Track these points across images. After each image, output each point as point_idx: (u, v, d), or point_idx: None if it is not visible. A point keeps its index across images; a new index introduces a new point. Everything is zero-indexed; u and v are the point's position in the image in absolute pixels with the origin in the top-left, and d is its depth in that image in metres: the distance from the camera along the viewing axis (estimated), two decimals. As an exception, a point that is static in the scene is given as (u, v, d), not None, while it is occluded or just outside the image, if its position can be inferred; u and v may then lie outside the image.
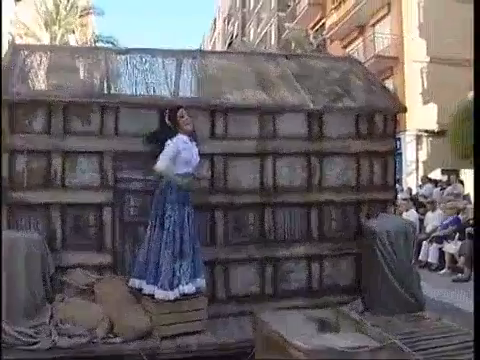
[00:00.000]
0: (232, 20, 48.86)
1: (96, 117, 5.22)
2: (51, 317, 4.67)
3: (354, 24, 23.62)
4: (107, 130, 5.23)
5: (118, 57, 5.89)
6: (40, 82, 5.31)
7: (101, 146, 5.22)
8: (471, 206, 10.65)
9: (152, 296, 4.83)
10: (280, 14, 33.34)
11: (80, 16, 28.82)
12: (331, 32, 25.25)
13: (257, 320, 4.62)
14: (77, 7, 27.81)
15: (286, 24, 29.79)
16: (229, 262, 5.45)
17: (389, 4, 21.71)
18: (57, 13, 26.91)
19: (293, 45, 28.87)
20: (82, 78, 5.43)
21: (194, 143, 5.08)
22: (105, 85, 5.37)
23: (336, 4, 25.51)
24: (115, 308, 4.79)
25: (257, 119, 5.51)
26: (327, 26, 26.46)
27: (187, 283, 4.86)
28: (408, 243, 5.42)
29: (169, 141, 4.93)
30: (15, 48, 5.80)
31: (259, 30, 38.56)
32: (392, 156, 5.91)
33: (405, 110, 5.87)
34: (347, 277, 5.75)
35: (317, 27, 28.63)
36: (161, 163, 4.86)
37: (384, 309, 5.28)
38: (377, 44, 21.87)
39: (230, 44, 44.77)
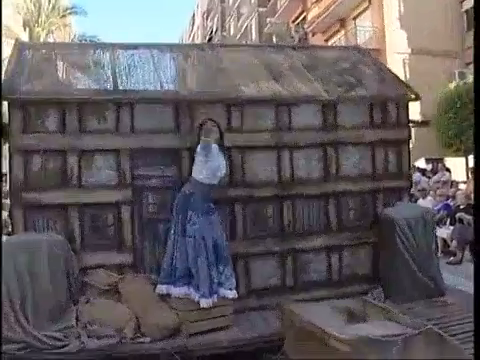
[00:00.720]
0: (211, 15, 48.57)
1: (111, 114, 5.14)
2: (77, 319, 4.59)
3: (335, 17, 23.64)
4: (123, 127, 5.15)
5: (126, 53, 5.80)
6: (51, 80, 5.19)
7: (117, 144, 5.13)
8: (460, 192, 10.84)
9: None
10: (260, 9, 33.32)
11: (62, 16, 28.43)
12: (313, 25, 25.19)
13: (286, 312, 4.60)
14: (59, 7, 27.42)
15: (268, 19, 29.82)
16: (249, 256, 5.42)
17: None
18: (38, 14, 26.48)
19: (275, 39, 28.90)
20: (94, 75, 5.32)
21: (221, 154, 5.01)
22: (119, 81, 5.27)
23: None
24: (141, 307, 4.73)
25: (273, 111, 5.48)
26: (308, 19, 26.45)
27: (231, 289, 4.86)
28: (427, 230, 5.46)
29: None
30: (21, 46, 5.67)
31: (239, 25, 38.38)
32: (406, 144, 5.92)
33: (418, 98, 5.88)
34: (365, 266, 5.77)
35: (298, 21, 28.59)
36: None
37: (405, 296, 5.33)
38: (359, 37, 21.94)
39: (210, 39, 44.51)
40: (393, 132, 5.83)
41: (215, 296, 4.79)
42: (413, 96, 5.87)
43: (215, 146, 4.94)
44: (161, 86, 5.32)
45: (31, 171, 4.97)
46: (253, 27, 34.93)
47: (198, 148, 4.86)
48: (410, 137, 5.95)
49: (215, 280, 4.82)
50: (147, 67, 5.54)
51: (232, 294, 4.88)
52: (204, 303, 4.74)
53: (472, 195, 10.48)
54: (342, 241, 5.67)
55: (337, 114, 5.68)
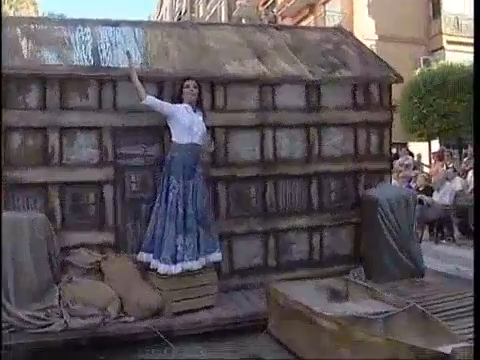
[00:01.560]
0: None
1: (93, 91, 5.03)
2: (60, 298, 4.53)
3: (305, 2, 23.97)
4: (105, 105, 5.06)
5: (108, 29, 5.67)
6: (32, 55, 5.05)
7: (100, 121, 5.04)
8: (421, 175, 11.16)
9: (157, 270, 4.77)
10: None
11: None
12: (282, 10, 25.44)
13: (271, 291, 4.63)
14: None
15: (237, 2, 29.64)
16: (232, 236, 5.42)
17: None
18: None
19: (244, 22, 28.64)
20: (75, 51, 5.19)
21: (199, 113, 4.99)
22: (101, 58, 5.16)
23: None
24: (124, 286, 4.69)
25: (257, 91, 5.45)
26: (278, 3, 26.64)
27: (191, 259, 4.79)
28: (409, 211, 5.53)
29: None
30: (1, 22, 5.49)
31: (208, 7, 38.02)
32: (388, 126, 5.96)
33: (401, 80, 5.92)
34: (346, 246, 5.82)
35: (268, 4, 28.61)
36: (151, 99, 4.85)
37: (386, 276, 5.40)
38: (328, 22, 22.04)
39: (178, 20, 43.94)
40: (376, 114, 5.87)
41: (176, 266, 4.72)
42: (395, 78, 5.89)
43: (186, 105, 4.92)
44: (145, 63, 5.22)
45: (11, 149, 4.85)
46: (223, 10, 34.68)
47: (157, 102, 4.87)
48: (392, 119, 6.00)
49: (179, 248, 4.75)
50: (129, 44, 5.43)
51: (192, 264, 4.80)
52: (162, 269, 4.70)
53: (432, 178, 10.80)
54: (324, 221, 5.71)
55: (321, 95, 5.67)
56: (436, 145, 17.03)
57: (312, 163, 5.66)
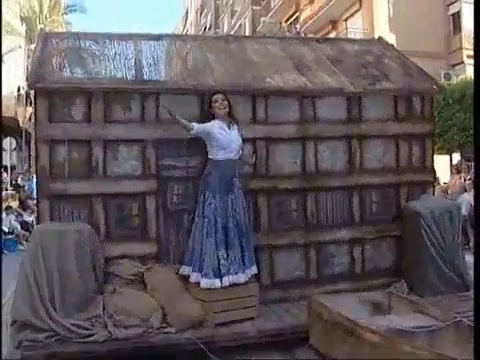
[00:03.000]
0: (205, 12, 48.45)
1: (136, 104, 5.12)
2: (104, 308, 4.58)
3: (327, 19, 24.23)
4: (148, 117, 5.13)
5: (149, 43, 5.78)
6: (77, 70, 5.18)
7: (143, 134, 5.12)
8: (438, 187, 10.98)
9: (198, 284, 4.79)
10: (254, 8, 33.53)
11: (63, 14, 28.72)
12: (305, 26, 25.69)
13: (314, 303, 4.59)
14: (60, 5, 27.64)
15: (262, 18, 30.11)
16: (273, 248, 5.41)
17: (360, 0, 22.53)
18: (40, 11, 26.63)
19: (268, 38, 28.82)
20: (119, 65, 5.29)
21: (233, 128, 5.02)
22: (144, 72, 5.26)
23: None
24: (166, 297, 4.72)
25: (298, 103, 5.46)
26: (301, 20, 27.00)
27: (237, 273, 4.81)
28: (453, 223, 5.43)
29: None
30: (45, 36, 5.66)
31: (233, 22, 38.38)
32: (430, 138, 5.89)
33: (444, 91, 5.85)
34: (388, 259, 5.75)
35: (291, 20, 29.12)
36: (197, 127, 4.88)
37: (430, 290, 5.31)
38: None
39: None
40: (417, 126, 5.80)
41: (223, 280, 4.75)
42: (438, 90, 5.83)
43: (220, 123, 4.94)
44: (186, 76, 5.29)
45: (57, 161, 4.96)
46: (247, 25, 34.99)
47: (201, 128, 4.90)
48: (435, 131, 5.92)
49: (222, 261, 4.78)
50: (171, 58, 5.52)
51: (239, 278, 4.83)
52: (205, 283, 4.72)
53: (449, 190, 10.62)
54: (365, 234, 5.65)
55: (362, 107, 5.65)
56: (458, 158, 16.83)
57: (353, 175, 5.63)
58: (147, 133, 5.13)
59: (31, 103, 5.45)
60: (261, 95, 5.35)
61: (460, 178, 11.27)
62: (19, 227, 12.91)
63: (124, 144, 5.10)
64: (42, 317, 4.32)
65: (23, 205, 15.13)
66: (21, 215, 13.85)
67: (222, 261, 4.79)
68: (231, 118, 5.08)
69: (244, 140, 5.12)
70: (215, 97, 5.02)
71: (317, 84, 5.52)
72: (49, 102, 4.95)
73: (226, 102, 5.03)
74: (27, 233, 12.15)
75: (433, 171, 5.99)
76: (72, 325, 4.36)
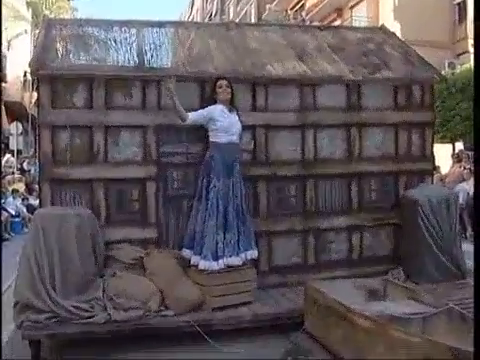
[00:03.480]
0: None
1: (138, 91, 5.18)
2: (103, 291, 4.68)
3: (333, 7, 24.38)
4: (149, 104, 5.20)
5: (152, 30, 5.83)
6: (80, 56, 5.24)
7: (144, 120, 5.18)
8: (436, 175, 11.00)
9: (197, 266, 4.87)
10: None
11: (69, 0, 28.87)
12: (310, 14, 25.71)
13: (309, 289, 4.67)
14: None
15: (267, 5, 30.14)
16: (272, 234, 5.48)
17: None
18: None
19: (273, 25, 28.79)
20: (121, 51, 5.35)
21: (234, 113, 5.08)
22: (145, 58, 5.31)
23: None
24: (165, 281, 4.81)
25: (297, 91, 5.51)
26: (306, 8, 27.10)
27: (231, 255, 4.89)
28: (451, 212, 5.47)
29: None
30: (49, 23, 5.72)
31: (238, 9, 38.29)
32: (430, 127, 5.92)
33: (445, 80, 5.87)
34: (386, 247, 5.81)
35: (296, 8, 29.28)
36: (191, 116, 4.91)
37: (426, 278, 5.36)
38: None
39: (209, 21, 44.18)
40: (418, 114, 5.83)
41: (219, 263, 4.83)
42: (438, 79, 5.85)
43: (221, 106, 5.00)
44: (188, 63, 5.33)
45: (59, 146, 5.04)
46: (253, 12, 34.92)
47: (204, 113, 4.96)
48: (435, 120, 5.94)
49: (219, 244, 4.86)
50: (173, 45, 5.57)
51: (233, 261, 4.90)
52: (203, 265, 4.81)
53: (447, 179, 10.63)
54: (363, 221, 5.71)
55: (361, 95, 5.68)
56: (461, 147, 16.84)
57: (352, 163, 5.68)
58: (148, 119, 5.19)
59: (36, 88, 5.55)
60: (261, 83, 5.39)
61: (460, 167, 11.27)
62: (25, 210, 13.07)
63: (125, 130, 5.17)
64: (43, 298, 4.41)
65: (29, 189, 15.32)
66: (27, 199, 14.06)
67: (219, 244, 4.86)
68: (232, 104, 5.13)
69: (244, 127, 5.17)
70: (220, 82, 5.07)
71: (317, 72, 5.55)
72: (51, 88, 5.01)
73: (229, 88, 5.09)
74: (32, 216, 12.28)
75: (432, 160, 6.02)
76: (72, 307, 4.45)
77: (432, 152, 5.97)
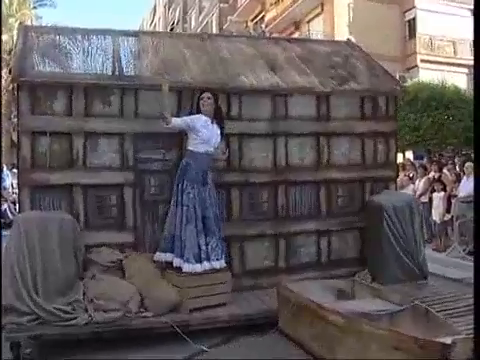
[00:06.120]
0: (173, 6, 48.39)
1: (116, 99, 5.33)
2: (84, 294, 4.80)
3: (291, 20, 25.24)
4: (127, 112, 5.36)
5: (127, 39, 5.98)
6: (59, 64, 5.35)
7: (122, 127, 5.34)
8: None
9: (179, 269, 5.04)
10: (222, 5, 34.10)
11: (33, 8, 28.60)
12: (270, 26, 26.48)
13: (282, 289, 4.90)
14: None
15: (229, 17, 30.77)
16: (244, 238, 5.70)
17: (322, 4, 23.68)
18: (10, 3, 26.39)
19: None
20: (99, 60, 5.49)
21: (215, 125, 5.26)
22: (124, 67, 5.46)
23: (275, 0, 27.07)
24: (144, 283, 4.96)
25: (270, 101, 5.75)
26: (266, 20, 27.83)
27: (218, 259, 5.10)
28: (413, 216, 5.79)
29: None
30: (26, 30, 5.81)
31: (201, 19, 38.67)
32: (394, 136, 6.26)
33: (405, 92, 6.20)
34: (353, 250, 6.11)
35: (257, 20, 29.94)
36: (175, 121, 5.05)
37: (390, 279, 5.65)
38: (311, 40, 22.87)
39: (171, 30, 44.31)
40: (382, 124, 6.17)
41: (203, 265, 5.03)
42: (401, 90, 6.19)
43: (205, 118, 5.18)
44: (164, 72, 5.50)
45: (38, 152, 5.14)
46: (214, 22, 35.38)
47: (188, 120, 5.12)
48: (397, 129, 6.28)
49: (202, 248, 5.05)
50: (149, 54, 5.73)
51: (218, 264, 5.12)
52: (187, 268, 4.99)
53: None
54: (331, 226, 6.00)
55: (330, 106, 5.98)
56: (410, 156, 17.57)
57: (321, 170, 5.96)
58: (126, 127, 5.35)
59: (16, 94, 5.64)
60: (235, 93, 5.62)
61: (404, 175, 11.76)
62: None
63: (104, 137, 5.31)
64: (25, 301, 4.51)
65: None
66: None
67: (203, 247, 5.05)
68: (218, 117, 5.29)
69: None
70: (203, 95, 5.26)
71: (289, 83, 5.81)
72: (31, 95, 5.13)
73: (211, 100, 5.26)
74: (2, 219, 12.63)
75: (396, 167, 6.36)
76: (54, 308, 4.57)
77: (396, 160, 6.31)
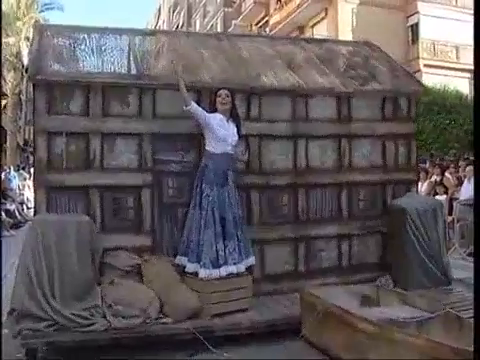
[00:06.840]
0: (177, 10, 48.49)
1: (134, 99, 5.20)
2: (102, 299, 4.66)
3: (295, 25, 25.61)
4: (145, 112, 5.23)
5: (145, 39, 5.87)
6: (76, 63, 5.23)
7: (140, 128, 5.20)
8: None
9: (196, 274, 4.91)
10: (226, 9, 34.16)
11: (41, 11, 28.83)
12: (274, 30, 26.58)
13: (306, 295, 4.76)
14: (38, 2, 27.74)
15: (233, 21, 30.84)
16: (264, 242, 5.56)
17: (326, 9, 24.04)
18: (18, 7, 26.52)
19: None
20: (117, 59, 5.36)
21: (233, 124, 5.15)
22: (141, 67, 5.34)
23: (279, 5, 27.50)
24: (163, 288, 4.83)
25: (290, 101, 5.62)
26: (270, 24, 28.06)
27: (235, 263, 4.96)
28: (437, 220, 5.66)
29: None
30: (41, 29, 5.70)
31: (205, 22, 38.74)
32: (414, 138, 6.14)
33: (428, 92, 6.08)
34: (374, 254, 5.96)
35: (261, 24, 30.32)
36: (194, 104, 4.98)
37: (414, 284, 5.51)
38: (316, 44, 23.11)
39: None
40: (403, 126, 6.04)
41: (220, 270, 4.89)
42: (423, 91, 6.07)
43: (221, 116, 5.07)
44: (183, 72, 5.36)
45: (55, 152, 5.01)
46: (218, 26, 35.45)
47: (206, 114, 5.02)
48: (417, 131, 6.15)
49: (220, 253, 4.91)
50: (167, 53, 5.60)
51: (236, 268, 4.98)
52: (203, 273, 4.85)
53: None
54: (353, 230, 5.86)
55: (351, 107, 5.85)
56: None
57: (342, 172, 5.83)
58: (144, 127, 5.22)
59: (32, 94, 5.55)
60: (255, 93, 5.49)
61: None
62: (4, 214, 13.24)
63: (121, 138, 5.18)
64: (42, 306, 4.38)
65: (3, 195, 15.19)
66: (4, 203, 14.01)
67: (220, 252, 4.91)
68: (234, 116, 5.20)
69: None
70: (220, 92, 5.14)
71: (310, 83, 5.69)
72: (48, 94, 5.00)
73: (229, 98, 5.15)
74: (11, 220, 13.36)
75: (417, 170, 6.22)
76: (72, 314, 4.43)
77: (417, 162, 6.17)
